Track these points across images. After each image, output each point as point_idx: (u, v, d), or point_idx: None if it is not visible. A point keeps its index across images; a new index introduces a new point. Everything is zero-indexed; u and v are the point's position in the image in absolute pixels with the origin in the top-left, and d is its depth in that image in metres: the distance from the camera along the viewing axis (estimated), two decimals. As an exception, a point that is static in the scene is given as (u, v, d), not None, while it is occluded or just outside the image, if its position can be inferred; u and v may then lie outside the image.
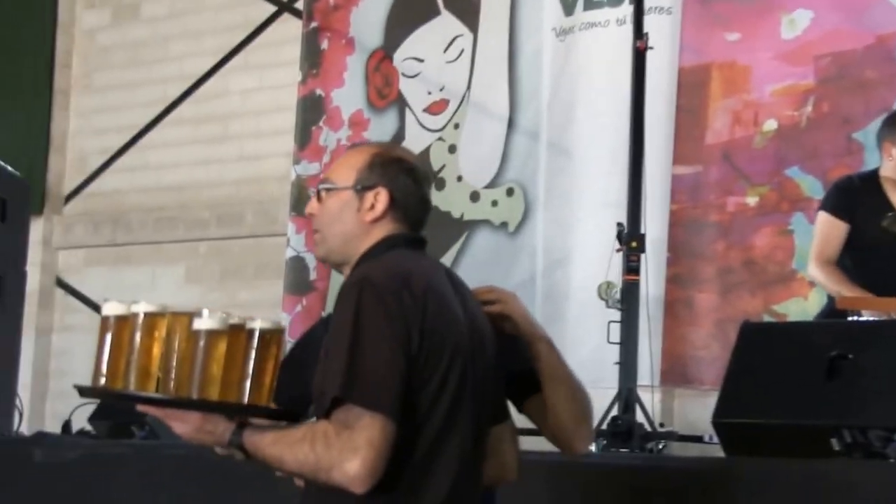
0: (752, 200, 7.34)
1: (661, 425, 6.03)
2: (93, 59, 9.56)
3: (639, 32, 6.39)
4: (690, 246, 7.35)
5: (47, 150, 9.49)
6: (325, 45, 8.38)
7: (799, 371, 3.86)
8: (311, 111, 8.33)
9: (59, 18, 9.54)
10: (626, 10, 7.08)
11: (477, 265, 7.65)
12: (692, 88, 7.45)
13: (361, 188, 2.80)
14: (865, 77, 7.20)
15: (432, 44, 8.04)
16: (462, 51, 7.92)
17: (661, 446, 5.79)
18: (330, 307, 7.87)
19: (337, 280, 7.99)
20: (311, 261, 8.10)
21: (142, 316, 2.62)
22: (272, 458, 2.58)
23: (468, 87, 7.87)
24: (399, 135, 8.06)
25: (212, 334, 2.58)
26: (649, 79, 6.43)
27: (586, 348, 6.87)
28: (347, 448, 2.49)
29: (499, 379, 2.86)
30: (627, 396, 5.89)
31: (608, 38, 7.36)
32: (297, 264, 8.12)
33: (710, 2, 7.48)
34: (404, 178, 2.83)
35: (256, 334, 2.63)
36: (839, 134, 7.17)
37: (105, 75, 9.47)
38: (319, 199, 2.85)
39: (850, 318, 4.70)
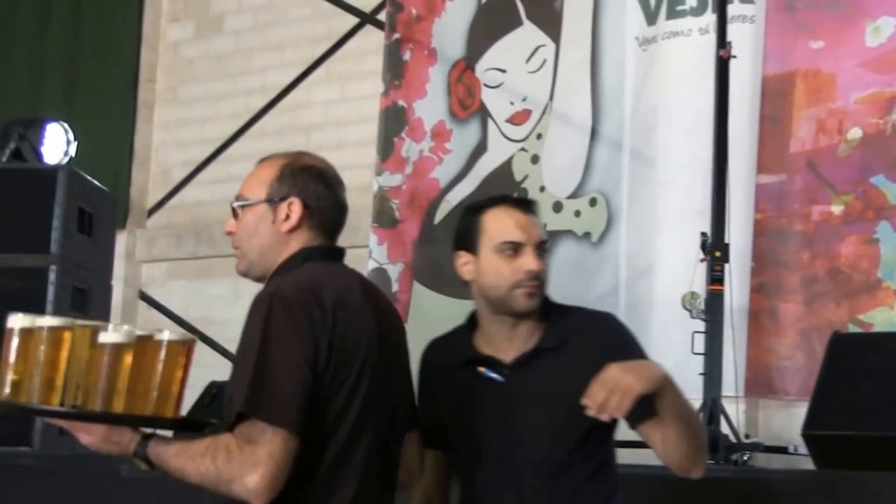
0: (836, 209, 7.26)
1: (747, 436, 5.98)
2: (177, 72, 9.67)
3: (722, 41, 6.35)
4: (775, 255, 7.29)
5: (131, 164, 9.59)
6: (407, 56, 8.41)
7: (890, 382, 3.81)
8: (394, 122, 8.35)
9: (144, 32, 9.66)
10: (709, 18, 7.04)
11: (560, 276, 7.55)
12: (776, 97, 7.39)
13: (274, 200, 2.86)
14: (951, 83, 7.12)
15: (514, 54, 8.04)
16: (544, 61, 7.91)
17: (745, 458, 5.74)
18: (411, 318, 7.93)
19: (419, 292, 8.04)
20: (393, 272, 8.13)
21: (47, 329, 2.66)
22: (176, 470, 2.65)
23: (551, 98, 7.86)
24: (481, 145, 8.07)
25: (117, 347, 2.65)
26: (733, 87, 6.38)
27: (670, 359, 6.74)
28: (248, 462, 2.55)
29: (410, 386, 2.97)
30: (712, 407, 5.84)
31: (691, 46, 7.33)
32: (379, 276, 8.14)
33: (793, 10, 7.42)
34: (315, 185, 2.89)
35: (164, 346, 2.67)
36: (926, 142, 7.10)
37: (189, 88, 9.56)
38: (236, 216, 2.92)
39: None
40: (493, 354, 3.05)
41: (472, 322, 3.16)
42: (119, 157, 9.51)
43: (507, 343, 3.07)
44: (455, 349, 3.13)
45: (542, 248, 3.11)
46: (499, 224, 3.08)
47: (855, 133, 7.29)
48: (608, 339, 3.06)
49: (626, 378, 2.83)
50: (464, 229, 3.14)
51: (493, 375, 3.01)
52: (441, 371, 3.10)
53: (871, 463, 3.73)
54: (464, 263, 3.11)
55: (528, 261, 3.04)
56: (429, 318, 7.94)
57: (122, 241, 8.84)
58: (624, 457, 3.79)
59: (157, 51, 9.75)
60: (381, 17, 8.58)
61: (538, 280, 3.06)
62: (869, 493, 3.62)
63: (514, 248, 3.05)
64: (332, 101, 8.75)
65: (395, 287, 8.11)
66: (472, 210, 3.17)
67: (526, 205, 3.18)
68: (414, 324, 8.01)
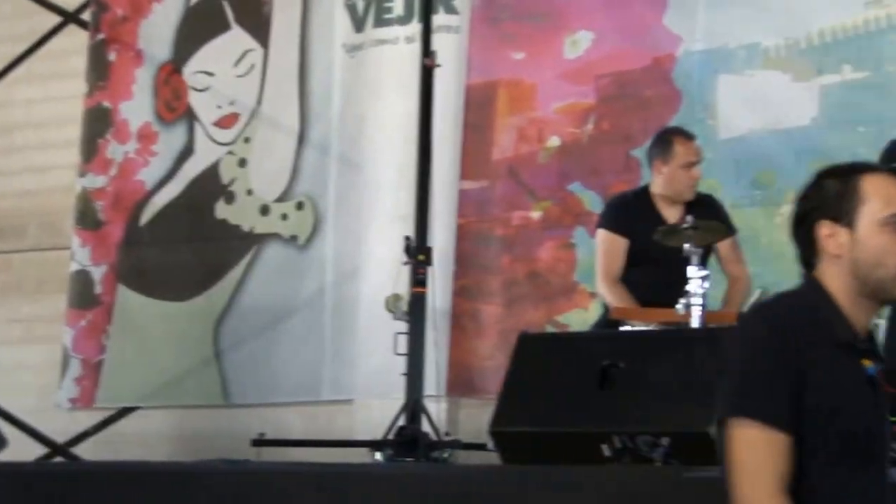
0: (536, 215, 7.53)
1: (447, 434, 6.14)
2: None
3: (426, 50, 6.51)
4: (477, 259, 7.50)
5: None
6: (112, 56, 8.28)
7: (572, 380, 3.99)
8: (98, 123, 8.21)
9: None
10: (416, 28, 7.18)
11: (267, 278, 7.67)
12: (479, 105, 7.61)
13: None
14: (644, 96, 7.47)
15: (222, 58, 8.02)
16: (253, 65, 7.92)
17: (445, 455, 5.91)
18: (116, 320, 7.83)
19: (124, 294, 7.94)
20: (96, 274, 8.00)
21: None
22: None
23: (259, 102, 7.87)
24: (188, 148, 8.01)
25: None
26: (437, 95, 6.56)
27: (375, 359, 6.98)
28: None
29: None
30: (414, 407, 6.00)
31: (398, 55, 7.47)
32: (82, 278, 8.01)
33: (497, 22, 7.65)
34: None
35: None
36: (619, 151, 7.42)
37: None
38: None
39: (623, 329, 4.87)
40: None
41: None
42: None
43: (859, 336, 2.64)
44: (825, 324, 2.61)
45: None
46: (887, 193, 2.59)
47: (554, 141, 7.58)
48: None
49: None
50: (833, 195, 2.61)
51: (874, 374, 2.60)
52: (815, 345, 2.58)
53: (553, 457, 3.89)
54: (829, 235, 2.59)
55: None
56: (135, 320, 7.86)
57: None
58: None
59: None
60: (86, 16, 8.41)
61: None
62: (552, 486, 3.78)
63: None
64: (34, 100, 8.50)
65: (98, 289, 7.98)
66: (842, 173, 2.65)
67: None
68: (119, 326, 7.93)
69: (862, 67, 7.07)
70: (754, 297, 7.12)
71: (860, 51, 7.07)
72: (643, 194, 5.45)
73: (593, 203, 7.11)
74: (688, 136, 5.42)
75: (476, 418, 7.11)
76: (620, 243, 5.35)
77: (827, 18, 7.16)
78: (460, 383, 7.31)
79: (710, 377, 3.87)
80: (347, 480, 4.39)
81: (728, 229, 5.24)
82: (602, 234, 5.44)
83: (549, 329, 7.26)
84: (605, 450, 3.86)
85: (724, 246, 5.36)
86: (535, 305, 7.50)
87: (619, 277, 5.33)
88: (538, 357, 4.14)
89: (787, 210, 7.16)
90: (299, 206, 7.69)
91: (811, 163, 7.13)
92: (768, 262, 7.16)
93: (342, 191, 7.58)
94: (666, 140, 5.38)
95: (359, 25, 7.65)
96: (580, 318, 7.07)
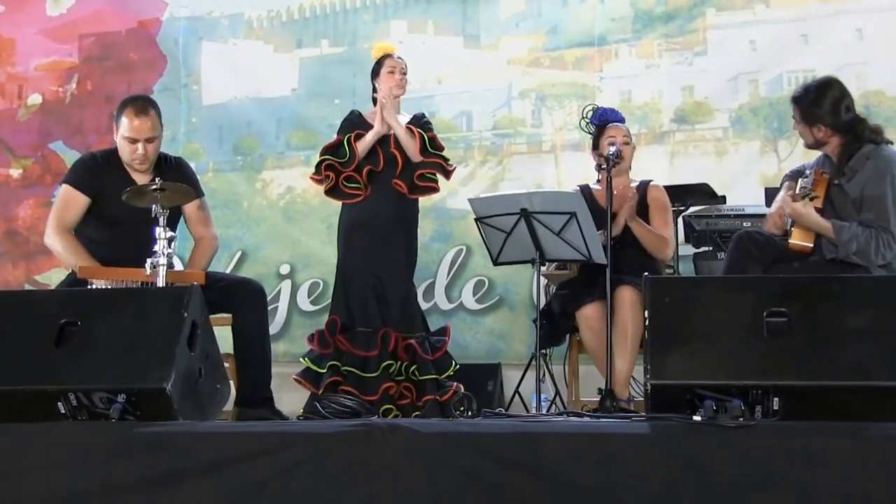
0: (15, 172, 7.44)
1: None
2: None
3: None
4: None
5: None
6: None
7: (30, 338, 4.01)
8: None
9: None
10: None
11: None
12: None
13: None
14: (128, 58, 7.53)
15: None
16: None
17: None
18: None
19: None
20: None
21: None
22: None
23: None
24: None
25: None
26: None
27: None
28: None
29: None
30: None
31: None
32: None
33: (-26, -27, 7.50)
34: None
35: None
36: (102, 111, 7.45)
37: None
38: None
39: (90, 287, 4.93)
40: None
41: None
42: None
43: None
44: None
45: None
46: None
47: (35, 99, 7.50)
48: None
49: None
50: None
51: None
52: None
53: (9, 416, 3.91)
54: None
55: None
56: None
57: None
58: None
59: None
60: None
61: None
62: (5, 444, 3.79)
63: None
64: None
65: None
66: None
67: None
68: None
69: (339, 43, 7.43)
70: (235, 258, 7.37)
71: (337, 27, 7.44)
72: (114, 155, 5.48)
73: (75, 162, 7.13)
74: (138, 111, 5.38)
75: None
76: (80, 199, 5.37)
77: (307, -6, 7.49)
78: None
79: (166, 337, 4.03)
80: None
81: (195, 192, 5.39)
82: (64, 188, 5.43)
83: (28, 287, 7.21)
84: (61, 407, 3.91)
85: (190, 208, 5.51)
86: (13, 264, 7.42)
87: (72, 231, 5.35)
88: (-4, 315, 4.14)
89: (267, 176, 7.49)
90: None
91: (290, 132, 7.47)
92: (249, 225, 7.42)
93: None
94: (120, 109, 5.41)
95: None
96: (60, 278, 7.04)
